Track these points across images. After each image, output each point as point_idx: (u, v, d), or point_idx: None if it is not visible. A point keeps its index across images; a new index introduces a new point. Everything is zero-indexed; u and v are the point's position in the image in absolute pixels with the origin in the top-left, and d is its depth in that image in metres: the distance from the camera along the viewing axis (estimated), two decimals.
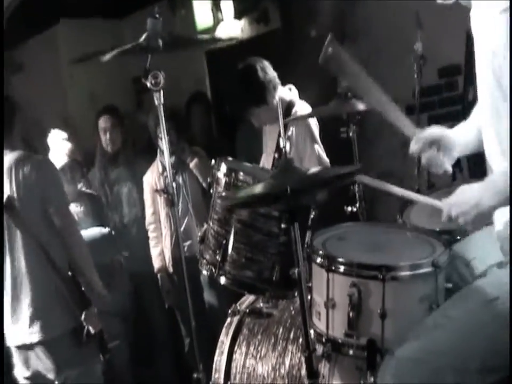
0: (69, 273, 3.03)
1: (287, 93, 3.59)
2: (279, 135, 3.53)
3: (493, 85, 1.91)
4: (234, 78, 3.62)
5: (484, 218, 1.95)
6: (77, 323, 3.05)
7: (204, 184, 4.02)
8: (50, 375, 3.08)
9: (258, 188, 2.19)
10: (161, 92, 2.57)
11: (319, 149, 3.49)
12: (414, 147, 2.35)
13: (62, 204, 3.12)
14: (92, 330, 3.05)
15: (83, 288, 3.05)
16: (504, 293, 1.86)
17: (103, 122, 4.42)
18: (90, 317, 3.05)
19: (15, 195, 2.97)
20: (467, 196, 1.94)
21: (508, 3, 1.79)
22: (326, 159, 3.49)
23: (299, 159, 3.38)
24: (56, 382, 3.10)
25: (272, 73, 3.49)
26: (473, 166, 3.72)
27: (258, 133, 3.88)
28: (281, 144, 2.24)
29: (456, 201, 1.97)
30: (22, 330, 3.04)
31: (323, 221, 2.63)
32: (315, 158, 3.44)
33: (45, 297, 3.04)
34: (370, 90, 2.31)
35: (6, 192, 2.96)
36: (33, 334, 3.01)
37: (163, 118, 2.59)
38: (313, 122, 3.47)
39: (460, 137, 2.35)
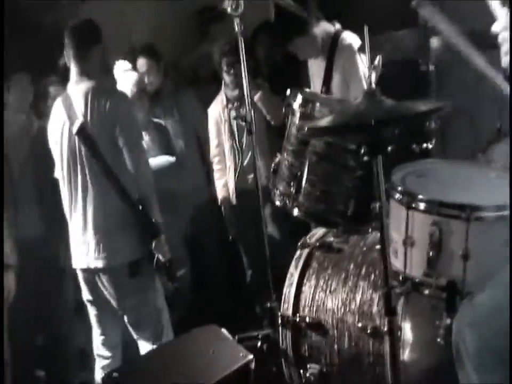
0: (140, 206, 3.04)
1: (330, 26, 3.57)
2: (326, 69, 3.54)
3: None
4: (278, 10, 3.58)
5: None
6: (142, 253, 3.08)
7: (268, 117, 4.01)
8: (113, 302, 3.14)
9: (340, 118, 2.14)
10: (241, 18, 2.53)
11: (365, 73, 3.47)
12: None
13: (133, 138, 3.09)
14: (161, 259, 3.08)
15: (153, 218, 3.06)
16: None
17: (140, 66, 4.34)
18: (160, 246, 3.08)
19: (88, 122, 2.97)
20: None
21: None
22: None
23: (346, 86, 3.43)
24: (119, 310, 3.18)
25: (313, 5, 3.46)
26: None
27: None
28: (366, 74, 2.19)
29: None
30: (88, 254, 3.08)
31: (396, 158, 2.56)
32: (361, 85, 3.40)
33: (113, 224, 3.06)
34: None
35: (79, 118, 2.98)
36: (99, 260, 3.06)
37: (242, 45, 2.55)
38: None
39: None
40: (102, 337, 3.28)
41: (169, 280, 3.17)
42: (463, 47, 2.17)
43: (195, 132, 4.38)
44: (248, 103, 2.62)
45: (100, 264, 3.06)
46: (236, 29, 2.55)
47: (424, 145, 2.98)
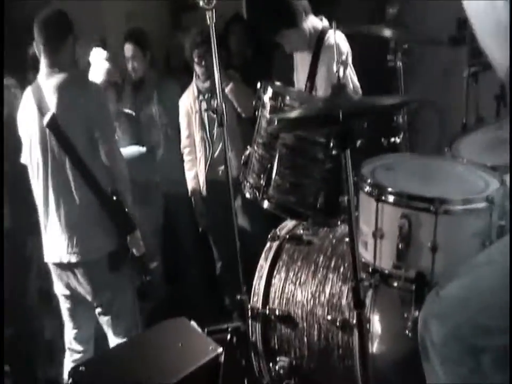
0: (114, 197, 3.02)
1: (318, 21, 3.55)
2: (311, 64, 3.52)
3: None
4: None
5: None
6: (115, 247, 3.06)
7: (239, 109, 4.00)
8: (88, 297, 3.12)
9: (309, 111, 2.14)
10: (214, 11, 2.52)
11: (351, 73, 3.45)
12: None
13: (107, 130, 3.07)
14: (136, 254, 3.07)
15: (128, 212, 3.04)
16: None
17: (126, 51, 4.33)
18: (135, 240, 3.07)
19: (60, 114, 2.93)
20: None
21: None
22: (357, 84, 3.47)
23: (330, 83, 3.35)
24: (94, 304, 3.15)
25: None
26: None
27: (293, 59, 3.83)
28: (335, 69, 2.19)
29: None
30: (62, 249, 3.04)
31: (363, 153, 2.58)
32: (347, 82, 3.39)
33: (86, 218, 3.02)
34: None
35: (51, 110, 2.93)
36: (73, 254, 3.02)
37: (214, 38, 2.54)
38: (346, 48, 3.41)
39: None
40: (75, 331, 3.24)
41: (143, 274, 3.17)
42: None
43: (176, 123, 4.34)
44: (219, 95, 2.60)
45: (73, 258, 3.02)
46: (208, 22, 2.54)
47: (392, 139, 3.01)
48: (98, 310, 3.15)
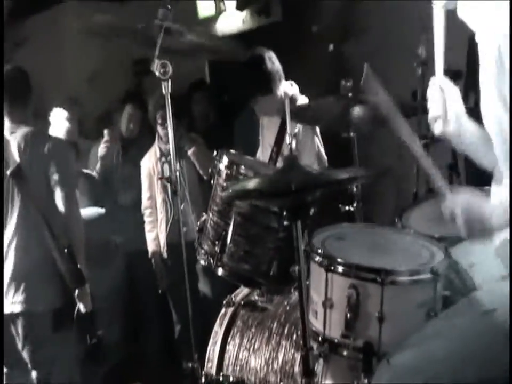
0: (66, 250, 3.02)
1: (289, 87, 3.64)
2: (280, 129, 3.60)
3: (496, 94, 1.90)
4: (240, 65, 3.66)
5: (486, 235, 1.95)
6: (62, 303, 3.03)
7: (201, 172, 4.06)
8: (25, 354, 3.05)
9: (261, 183, 2.21)
10: (169, 81, 2.60)
11: (319, 145, 3.54)
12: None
13: (67, 178, 3.13)
14: (82, 310, 3.02)
15: (79, 266, 3.04)
16: (503, 306, 1.88)
17: (129, 109, 4.50)
18: (83, 295, 3.04)
19: (25, 164, 3.00)
20: (480, 210, 1.88)
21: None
22: (325, 156, 3.55)
23: (298, 153, 3.43)
24: (30, 366, 3.07)
25: (278, 65, 3.58)
26: (470, 170, 3.74)
27: (256, 123, 3.91)
28: (287, 141, 2.26)
29: (467, 208, 1.90)
30: (6, 297, 3.00)
31: (319, 219, 2.64)
32: (314, 153, 3.48)
33: (35, 268, 3.03)
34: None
35: (16, 160, 2.99)
36: (16, 304, 2.98)
37: (169, 107, 2.61)
38: None
39: None
40: None
41: (88, 334, 3.09)
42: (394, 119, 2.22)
43: None
44: (174, 165, 2.67)
45: (17, 308, 2.98)
46: (164, 91, 2.62)
47: (346, 207, 3.09)
48: (34, 373, 3.06)
